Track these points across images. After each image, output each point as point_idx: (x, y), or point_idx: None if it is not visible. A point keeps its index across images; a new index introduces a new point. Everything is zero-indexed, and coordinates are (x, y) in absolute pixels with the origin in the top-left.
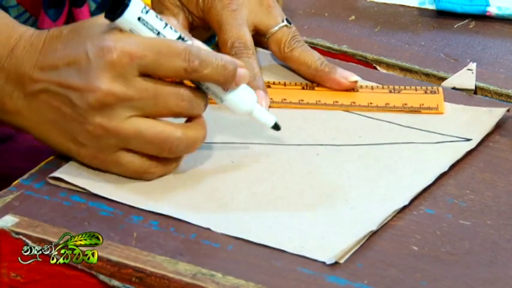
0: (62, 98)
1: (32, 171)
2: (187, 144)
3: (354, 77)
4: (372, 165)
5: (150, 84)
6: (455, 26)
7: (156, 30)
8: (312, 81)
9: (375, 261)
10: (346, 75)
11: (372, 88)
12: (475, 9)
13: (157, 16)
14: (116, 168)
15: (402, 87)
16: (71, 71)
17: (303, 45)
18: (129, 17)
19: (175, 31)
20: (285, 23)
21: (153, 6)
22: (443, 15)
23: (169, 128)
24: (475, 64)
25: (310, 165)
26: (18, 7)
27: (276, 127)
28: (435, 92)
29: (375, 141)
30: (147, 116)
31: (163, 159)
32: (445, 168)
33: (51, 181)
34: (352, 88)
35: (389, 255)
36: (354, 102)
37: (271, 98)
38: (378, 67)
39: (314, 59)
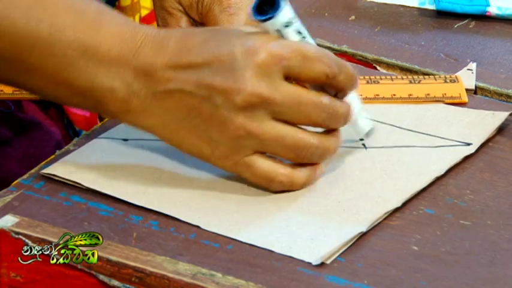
0: (200, 97)
1: (32, 171)
2: (321, 154)
3: None
4: (369, 168)
5: (294, 89)
6: (455, 26)
7: (301, 34)
8: None
9: (374, 261)
10: None
11: (392, 79)
12: (475, 9)
13: (301, 23)
14: (245, 171)
15: (421, 77)
16: (213, 70)
17: None
18: (280, 20)
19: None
20: None
21: (156, 13)
22: (443, 15)
23: (308, 136)
24: (475, 64)
25: None
26: None
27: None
28: (455, 81)
29: (374, 144)
30: (286, 121)
31: (293, 170)
32: (442, 172)
33: (46, 173)
34: None
35: (389, 255)
36: (377, 95)
37: None
38: (378, 67)
39: None
